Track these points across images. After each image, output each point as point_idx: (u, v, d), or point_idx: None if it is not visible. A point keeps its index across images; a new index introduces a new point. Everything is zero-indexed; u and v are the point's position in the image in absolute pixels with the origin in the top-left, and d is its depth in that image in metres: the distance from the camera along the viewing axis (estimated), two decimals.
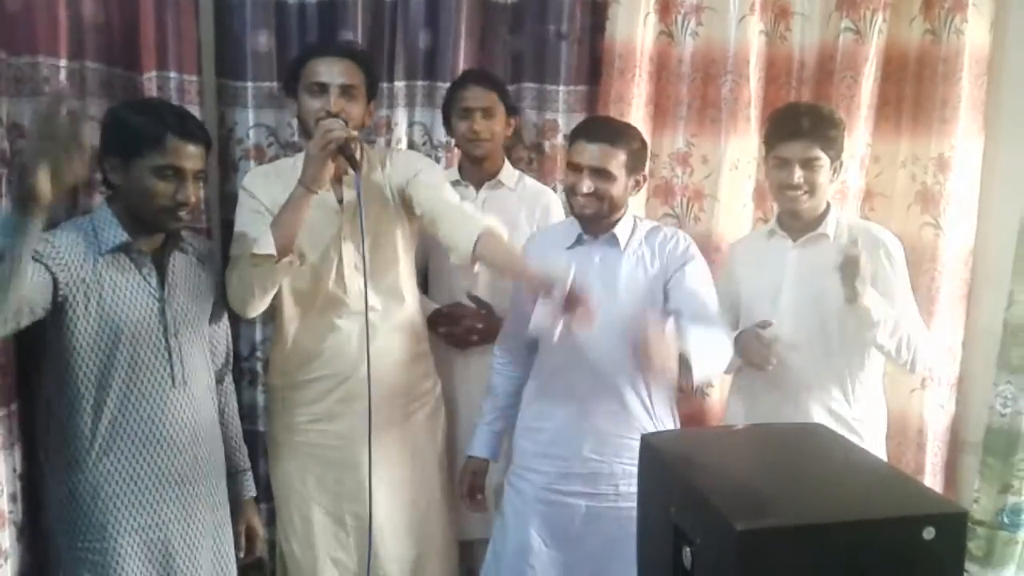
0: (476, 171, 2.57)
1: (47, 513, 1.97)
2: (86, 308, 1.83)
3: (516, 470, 2.29)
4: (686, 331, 1.88)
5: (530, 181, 2.64)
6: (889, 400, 2.40)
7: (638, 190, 2.24)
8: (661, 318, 1.90)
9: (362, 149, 2.21)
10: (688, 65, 2.70)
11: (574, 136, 2.20)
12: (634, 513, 1.24)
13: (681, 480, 0.96)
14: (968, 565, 2.64)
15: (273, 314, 2.31)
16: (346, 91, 2.14)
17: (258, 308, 2.14)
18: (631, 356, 1.87)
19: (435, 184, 2.22)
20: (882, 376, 2.31)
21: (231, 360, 2.23)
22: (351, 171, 2.10)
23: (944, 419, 2.72)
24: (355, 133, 2.11)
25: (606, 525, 2.16)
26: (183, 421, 1.95)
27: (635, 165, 2.15)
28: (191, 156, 1.87)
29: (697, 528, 0.92)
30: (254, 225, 2.12)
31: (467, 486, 2.37)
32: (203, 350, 2.05)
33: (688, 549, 0.95)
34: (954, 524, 0.86)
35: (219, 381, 2.15)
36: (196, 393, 1.99)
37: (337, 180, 2.19)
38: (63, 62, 2.03)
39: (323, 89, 2.14)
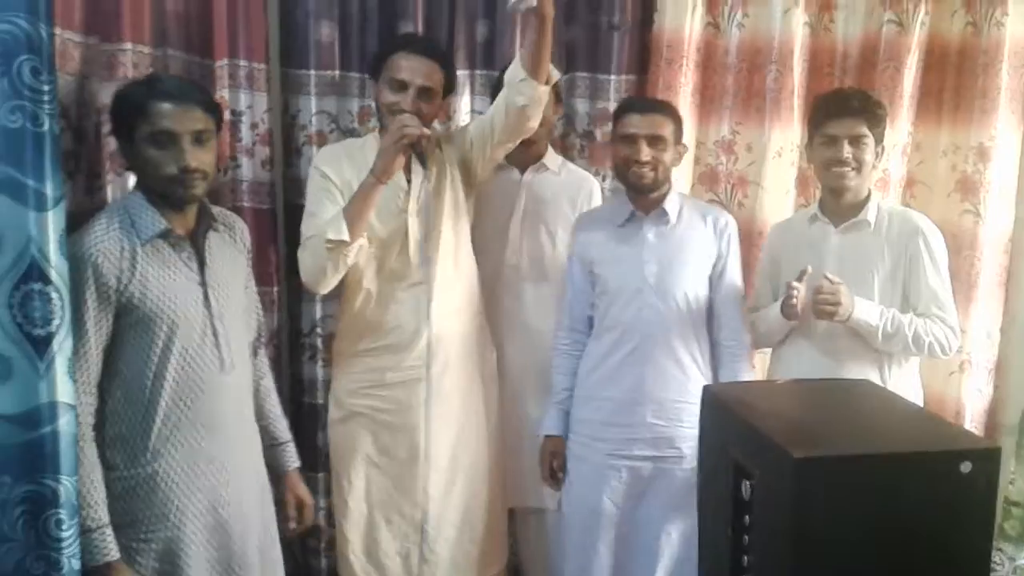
0: (522, 155, 2.66)
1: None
2: (136, 302, 1.83)
3: (580, 439, 2.42)
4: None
5: (573, 167, 2.75)
6: (928, 383, 2.49)
7: (679, 161, 2.39)
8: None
9: (432, 141, 2.33)
10: (734, 55, 2.79)
11: (621, 112, 2.34)
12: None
13: (740, 420, 1.07)
14: (1003, 544, 2.71)
15: (336, 290, 2.41)
16: (424, 92, 2.27)
17: (330, 286, 2.27)
18: None
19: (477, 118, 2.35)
20: (919, 362, 2.39)
21: (263, 333, 2.25)
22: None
23: (982, 402, 2.79)
24: (427, 131, 2.20)
25: (670, 485, 2.32)
26: (231, 404, 1.98)
27: (678, 135, 2.33)
28: (180, 118, 1.82)
29: (755, 462, 1.03)
30: (325, 205, 2.26)
31: (548, 466, 2.48)
32: (243, 330, 2.07)
33: (747, 483, 1.06)
34: (989, 459, 0.95)
35: (253, 354, 2.15)
36: (241, 375, 2.02)
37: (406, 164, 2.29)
38: (147, 49, 2.18)
39: (403, 86, 2.26)
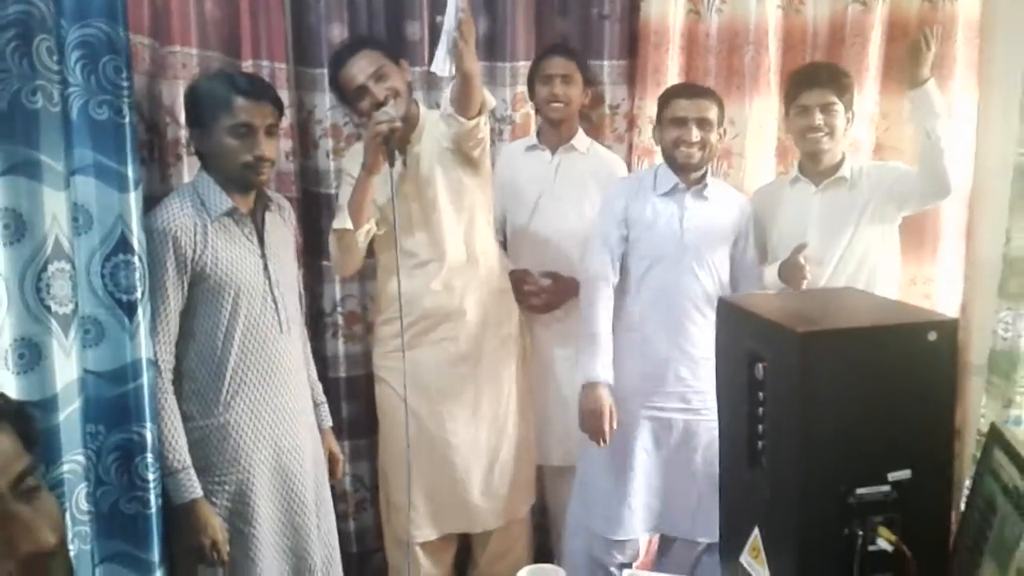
0: (553, 136, 2.89)
1: None
2: (210, 270, 2.05)
3: (618, 391, 2.61)
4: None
5: (601, 148, 2.97)
6: None
7: (721, 143, 2.65)
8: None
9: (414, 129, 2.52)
10: (714, 39, 3.01)
11: (669, 97, 2.57)
12: None
13: (752, 315, 1.32)
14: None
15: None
16: (381, 78, 2.43)
17: (350, 269, 2.52)
18: None
19: None
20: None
21: (303, 305, 2.49)
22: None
23: None
24: (399, 124, 2.34)
25: (700, 436, 2.55)
26: (288, 361, 2.22)
27: (721, 118, 2.57)
28: (258, 113, 2.06)
29: (766, 346, 1.27)
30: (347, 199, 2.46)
31: (597, 414, 2.49)
32: (294, 298, 2.30)
33: (760, 365, 1.30)
34: (949, 329, 1.21)
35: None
36: (295, 337, 2.27)
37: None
38: (194, 51, 2.39)
39: (363, 89, 2.43)
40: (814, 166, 2.61)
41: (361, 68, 2.43)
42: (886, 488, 1.21)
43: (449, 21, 2.15)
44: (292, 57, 2.93)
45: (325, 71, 2.90)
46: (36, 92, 1.64)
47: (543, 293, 2.82)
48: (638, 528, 2.63)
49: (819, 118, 2.51)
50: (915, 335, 1.19)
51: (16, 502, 0.92)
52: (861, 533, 1.21)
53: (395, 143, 2.36)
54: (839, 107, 2.53)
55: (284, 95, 2.82)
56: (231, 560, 2.10)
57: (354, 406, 3.03)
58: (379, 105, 2.39)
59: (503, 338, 2.71)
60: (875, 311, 1.42)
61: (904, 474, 1.21)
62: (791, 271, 2.48)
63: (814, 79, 2.54)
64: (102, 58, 1.77)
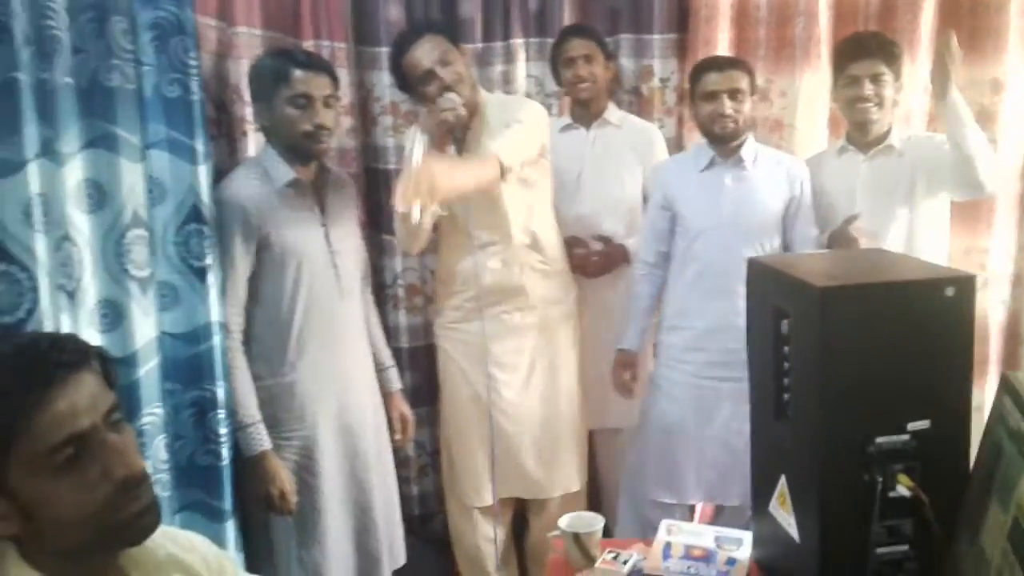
0: (585, 113, 2.98)
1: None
2: (275, 238, 2.17)
3: (666, 362, 2.73)
4: None
5: (634, 119, 3.03)
6: None
7: (754, 112, 2.69)
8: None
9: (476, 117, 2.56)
10: (765, 10, 3.03)
11: (700, 71, 2.61)
12: None
13: (779, 273, 1.38)
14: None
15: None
16: (446, 63, 2.45)
17: (417, 247, 2.60)
18: None
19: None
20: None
21: (369, 274, 2.59)
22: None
23: (1004, 314, 3.04)
24: (463, 111, 2.41)
25: (745, 403, 2.60)
26: (349, 327, 2.34)
27: (753, 87, 2.61)
28: (316, 84, 2.16)
29: (790, 302, 1.33)
30: None
31: (620, 376, 2.77)
32: (354, 266, 2.39)
33: (785, 321, 1.37)
34: (967, 285, 1.25)
35: (363, 290, 2.48)
36: (355, 303, 2.38)
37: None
38: (258, 31, 2.51)
39: (429, 74, 2.44)
40: (862, 136, 2.62)
41: (426, 52, 2.46)
42: (905, 437, 1.27)
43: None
44: (352, 37, 3.03)
45: (384, 50, 2.99)
46: (112, 71, 1.78)
47: (596, 256, 2.89)
48: (688, 494, 2.71)
49: (868, 88, 2.53)
50: (933, 291, 1.24)
51: (108, 432, 1.05)
52: (880, 480, 1.27)
53: (460, 130, 2.43)
54: (888, 77, 2.54)
55: (344, 74, 2.94)
56: (300, 511, 2.24)
57: (416, 375, 3.14)
58: (445, 89, 2.43)
59: (560, 315, 2.79)
60: (896, 268, 1.47)
61: (923, 424, 1.27)
62: (841, 242, 2.52)
63: (863, 49, 2.56)
64: (172, 39, 1.90)
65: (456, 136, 2.43)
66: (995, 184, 2.50)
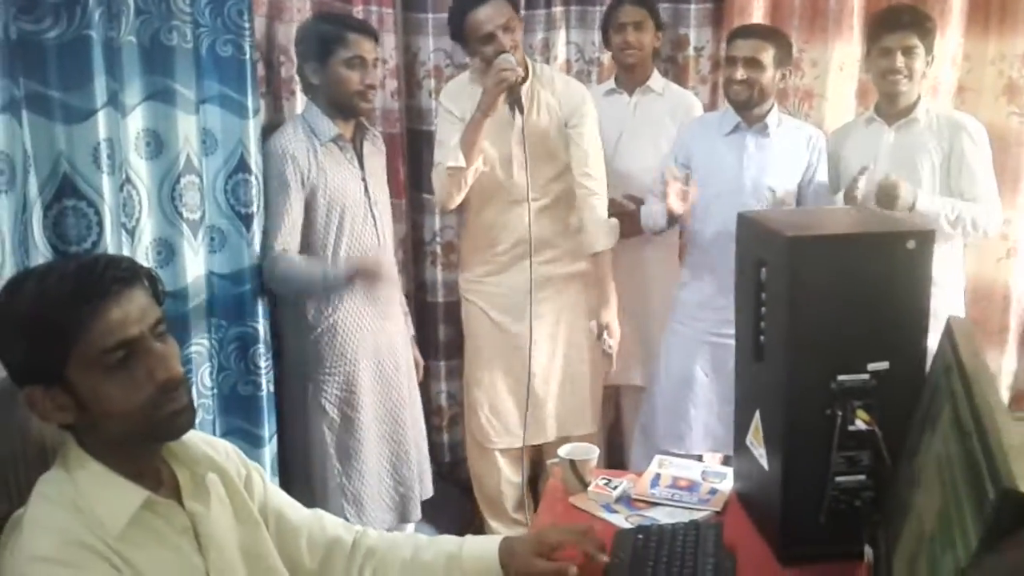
0: (629, 79, 3.07)
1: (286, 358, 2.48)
2: (320, 189, 2.33)
3: (679, 318, 2.85)
4: None
5: (675, 87, 3.12)
6: (977, 269, 2.84)
7: (784, 82, 2.77)
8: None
9: (528, 70, 2.71)
10: None
11: (731, 37, 2.73)
12: None
13: (760, 225, 1.50)
14: None
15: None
16: (508, 29, 2.59)
17: (455, 203, 2.75)
18: None
19: (585, 149, 2.75)
20: (962, 245, 2.73)
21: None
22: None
23: None
24: (522, 73, 2.56)
25: None
26: (385, 271, 2.45)
27: (782, 59, 2.68)
28: (368, 47, 2.35)
29: (769, 252, 1.46)
30: (449, 135, 2.68)
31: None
32: (389, 216, 2.59)
33: (764, 268, 1.50)
34: (926, 238, 1.36)
35: None
36: (388, 249, 2.57)
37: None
38: None
39: (490, 36, 2.58)
40: (890, 107, 2.69)
41: (490, 16, 2.57)
42: (865, 376, 1.39)
43: None
44: (400, 2, 3.18)
45: (430, 16, 3.17)
46: (172, 31, 1.97)
47: (628, 215, 2.99)
48: (696, 444, 2.84)
49: (900, 60, 2.58)
50: (895, 243, 1.35)
51: (154, 341, 1.22)
52: (841, 414, 1.39)
53: (516, 89, 2.57)
54: (920, 49, 2.59)
55: (391, 38, 3.10)
56: (342, 442, 2.44)
57: (450, 329, 3.32)
58: (500, 52, 2.55)
59: (587, 268, 2.92)
60: (865, 222, 1.59)
61: (882, 365, 1.39)
62: (850, 195, 2.58)
63: (897, 21, 2.61)
64: (227, 2, 2.08)
65: (514, 96, 2.57)
66: (999, 225, 2.66)
